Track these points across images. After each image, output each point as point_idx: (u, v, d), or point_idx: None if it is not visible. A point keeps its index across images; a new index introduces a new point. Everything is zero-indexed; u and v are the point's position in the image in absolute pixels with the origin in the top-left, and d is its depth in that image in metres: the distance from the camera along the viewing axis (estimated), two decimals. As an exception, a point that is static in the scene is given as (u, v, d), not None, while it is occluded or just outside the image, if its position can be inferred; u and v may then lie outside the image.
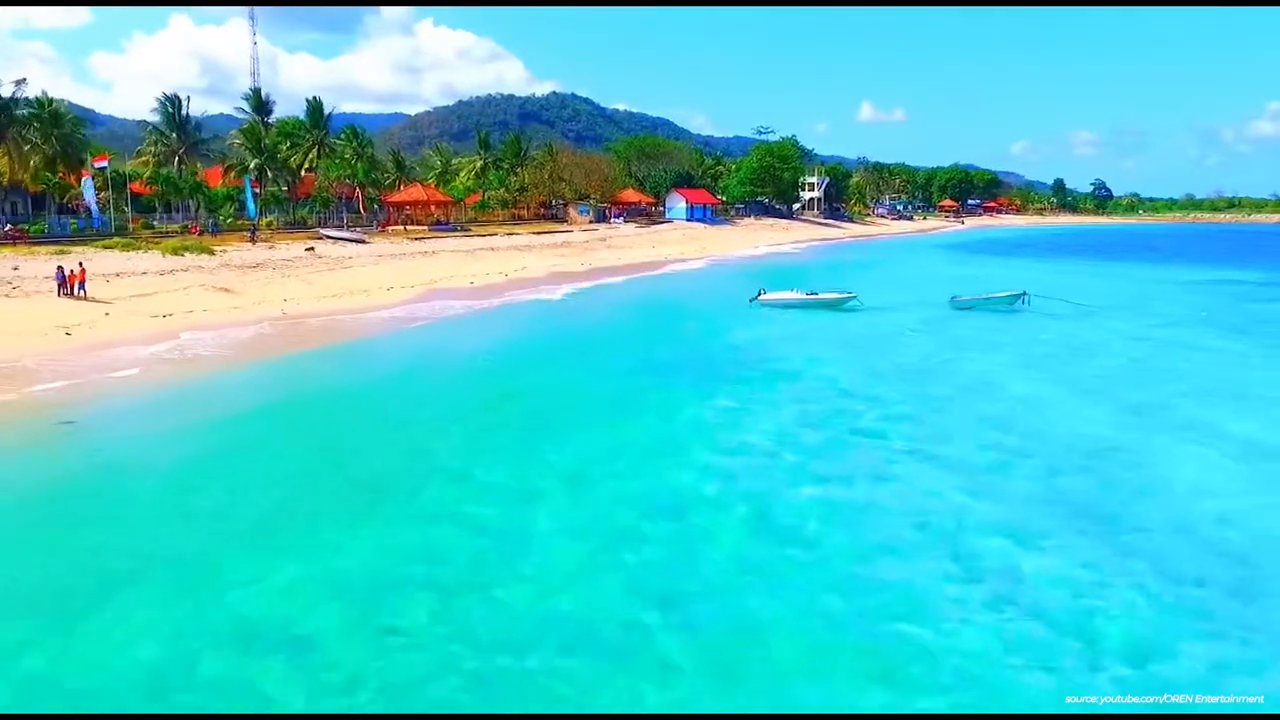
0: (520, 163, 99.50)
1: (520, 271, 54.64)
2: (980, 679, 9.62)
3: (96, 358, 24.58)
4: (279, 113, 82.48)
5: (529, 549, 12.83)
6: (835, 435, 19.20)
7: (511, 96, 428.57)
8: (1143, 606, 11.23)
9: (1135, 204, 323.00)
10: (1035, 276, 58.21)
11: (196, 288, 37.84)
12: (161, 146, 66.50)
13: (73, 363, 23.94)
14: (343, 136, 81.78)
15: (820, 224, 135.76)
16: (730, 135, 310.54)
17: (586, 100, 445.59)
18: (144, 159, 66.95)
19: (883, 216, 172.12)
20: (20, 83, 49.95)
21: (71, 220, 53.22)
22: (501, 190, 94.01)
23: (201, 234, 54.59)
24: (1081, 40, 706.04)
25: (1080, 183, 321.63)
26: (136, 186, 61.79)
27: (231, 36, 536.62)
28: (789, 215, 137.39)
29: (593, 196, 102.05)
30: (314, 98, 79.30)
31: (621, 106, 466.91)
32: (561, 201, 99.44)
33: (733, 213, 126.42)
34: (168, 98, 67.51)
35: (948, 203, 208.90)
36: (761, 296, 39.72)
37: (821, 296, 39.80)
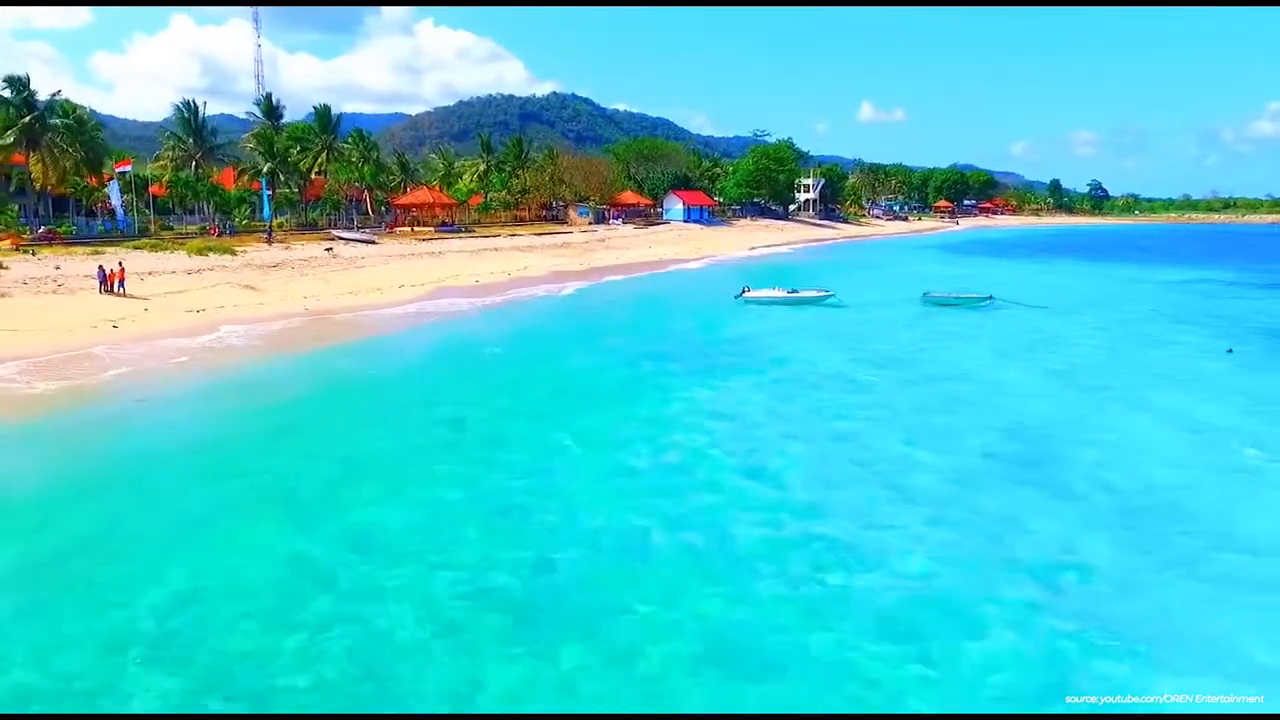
0: (521, 165, 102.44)
1: (522, 271, 57.56)
2: (911, 587, 12.55)
3: (149, 348, 27.61)
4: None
5: (554, 484, 16.60)
6: (800, 406, 22.60)
7: (512, 97, 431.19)
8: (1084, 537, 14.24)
9: (1131, 204, 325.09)
10: (1014, 277, 61.29)
11: (223, 285, 40.78)
12: (179, 151, 69.42)
13: (130, 352, 26.97)
14: (350, 140, 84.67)
15: (815, 225, 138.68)
16: (730, 135, 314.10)
17: (587, 100, 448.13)
18: (162, 163, 69.90)
19: (878, 217, 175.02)
20: (55, 94, 52.91)
21: (98, 223, 56.11)
22: (503, 192, 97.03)
23: (220, 235, 57.56)
24: (1081, 40, 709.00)
25: (1081, 183, 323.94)
26: (154, 189, 64.72)
27: (232, 37, 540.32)
28: (784, 216, 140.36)
29: (592, 198, 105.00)
30: (322, 105, 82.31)
31: (622, 107, 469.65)
32: (562, 203, 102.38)
33: (729, 214, 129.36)
34: (185, 103, 70.55)
35: (943, 203, 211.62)
36: (746, 294, 42.72)
37: (801, 294, 42.85)
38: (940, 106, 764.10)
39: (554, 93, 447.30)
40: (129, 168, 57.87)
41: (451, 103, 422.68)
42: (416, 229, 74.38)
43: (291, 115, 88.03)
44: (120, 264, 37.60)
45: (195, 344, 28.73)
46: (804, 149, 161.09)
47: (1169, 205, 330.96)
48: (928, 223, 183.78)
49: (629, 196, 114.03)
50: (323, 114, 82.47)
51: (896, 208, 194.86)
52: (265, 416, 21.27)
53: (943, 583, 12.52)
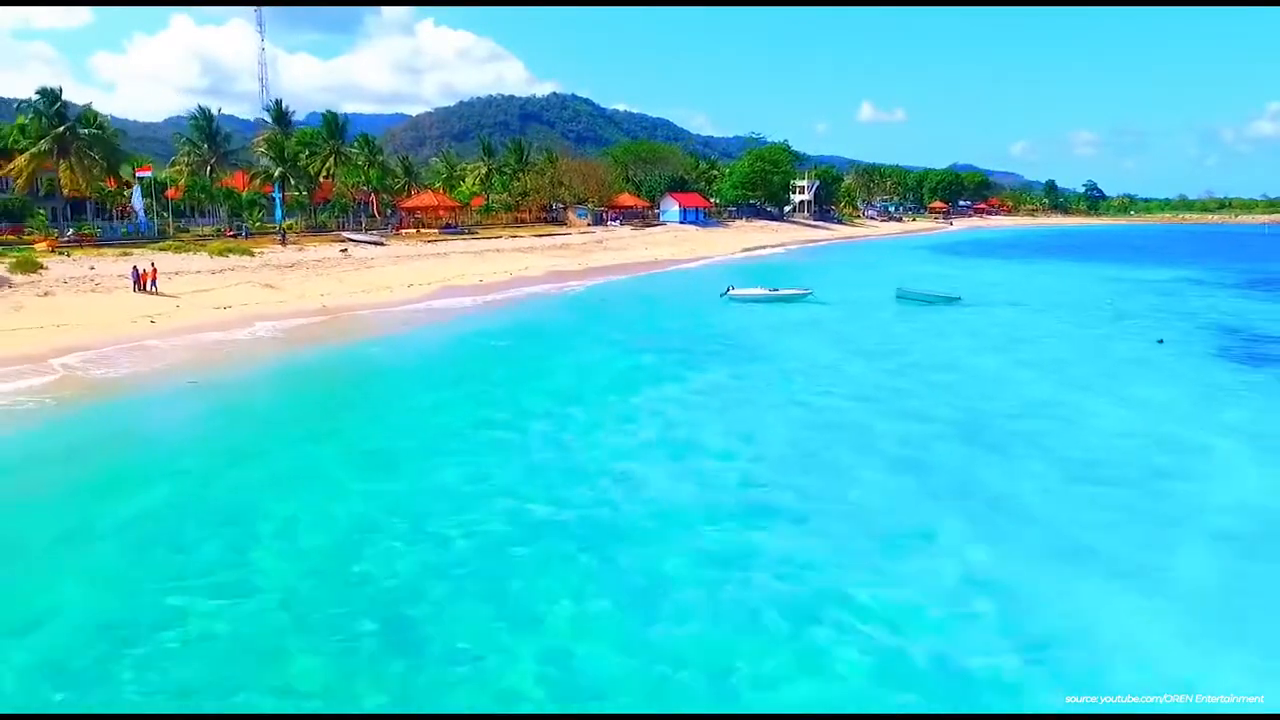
0: (522, 168, 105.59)
1: (523, 271, 60.65)
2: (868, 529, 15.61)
3: (189, 340, 30.82)
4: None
5: (565, 439, 20.64)
6: (767, 384, 26.01)
7: (512, 97, 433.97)
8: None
9: (1127, 204, 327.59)
10: (992, 277, 64.36)
11: (244, 285, 43.91)
12: (194, 156, 72.58)
13: (177, 343, 30.24)
14: (356, 145, 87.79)
15: (809, 226, 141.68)
16: (730, 135, 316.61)
17: (587, 101, 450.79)
18: (177, 167, 73.04)
19: (872, 218, 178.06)
20: (86, 107, 56.12)
21: (121, 225, 59.22)
22: (505, 195, 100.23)
23: (235, 237, 60.64)
24: (1081, 40, 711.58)
25: (1081, 184, 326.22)
26: (170, 193, 67.85)
27: (232, 37, 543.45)
28: (780, 218, 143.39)
29: (590, 200, 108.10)
30: (329, 111, 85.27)
31: (622, 107, 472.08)
32: (561, 205, 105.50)
33: (725, 215, 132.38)
34: (201, 110, 73.75)
35: (937, 204, 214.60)
36: (731, 292, 45.84)
37: (782, 292, 45.98)
38: (940, 106, 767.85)
39: (554, 93, 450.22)
40: (149, 173, 60.98)
41: (452, 103, 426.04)
42: (422, 231, 77.51)
43: (294, 115, 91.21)
44: (152, 264, 40.71)
45: (237, 337, 32.39)
46: (804, 149, 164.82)
47: (1164, 205, 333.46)
48: (922, 223, 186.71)
49: (626, 199, 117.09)
50: (330, 120, 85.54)
51: (891, 209, 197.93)
52: (323, 395, 25.58)
53: (892, 516, 15.63)
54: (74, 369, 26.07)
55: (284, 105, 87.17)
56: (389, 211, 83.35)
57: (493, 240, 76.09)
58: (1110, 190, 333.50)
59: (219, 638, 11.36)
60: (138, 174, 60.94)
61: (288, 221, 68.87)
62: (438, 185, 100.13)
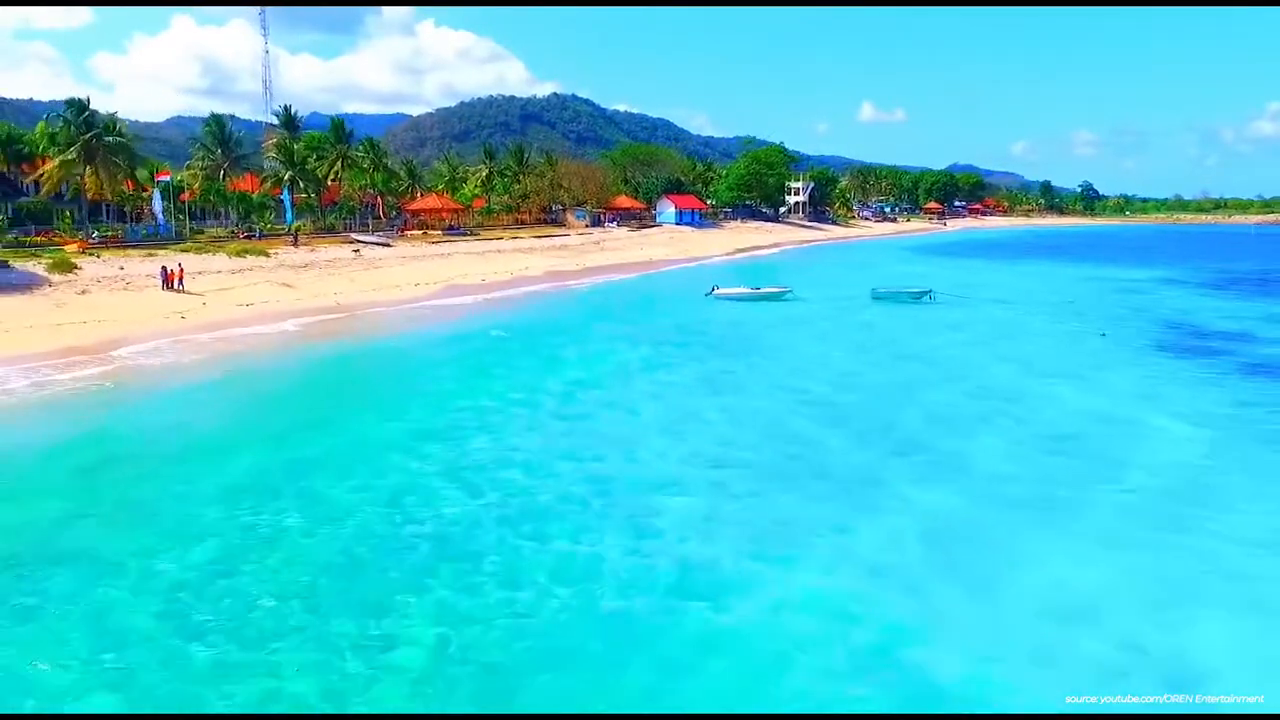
0: (522, 171, 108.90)
1: (524, 271, 63.84)
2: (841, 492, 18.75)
3: (224, 334, 34.14)
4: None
5: (571, 413, 24.34)
6: (737, 366, 29.38)
7: (513, 98, 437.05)
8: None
9: (1123, 205, 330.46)
10: (971, 276, 67.51)
11: (263, 283, 47.12)
12: (208, 161, 75.84)
13: (212, 336, 33.63)
14: (361, 148, 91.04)
15: (803, 226, 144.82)
16: (731, 136, 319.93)
17: (587, 101, 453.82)
18: (192, 171, 76.24)
19: (867, 219, 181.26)
20: (111, 115, 59.35)
21: (142, 227, 62.46)
22: (505, 197, 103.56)
23: (249, 238, 63.84)
24: (1082, 40, 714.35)
25: (1081, 184, 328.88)
26: (184, 195, 71.07)
27: (233, 38, 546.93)
28: (775, 218, 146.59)
29: (589, 202, 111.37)
30: (337, 117, 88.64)
31: (622, 107, 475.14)
32: (560, 207, 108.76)
33: (721, 216, 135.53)
34: (215, 118, 77.17)
35: (932, 205, 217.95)
36: (715, 291, 49.01)
37: (763, 290, 49.18)
38: (941, 107, 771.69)
39: (555, 93, 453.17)
40: (168, 178, 64.21)
41: (453, 103, 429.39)
42: (428, 233, 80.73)
43: (295, 115, 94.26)
44: (180, 265, 43.93)
45: (267, 330, 35.94)
46: (805, 150, 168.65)
47: (1160, 206, 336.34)
48: (915, 224, 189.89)
49: (624, 200, 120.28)
50: (338, 125, 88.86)
51: (887, 209, 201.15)
52: (357, 378, 29.72)
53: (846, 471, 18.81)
54: (126, 360, 29.28)
55: (292, 110, 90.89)
56: (394, 213, 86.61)
57: (494, 241, 79.26)
58: (1110, 190, 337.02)
59: (314, 550, 14.58)
60: (157, 178, 64.16)
61: (298, 223, 72.01)
62: (440, 187, 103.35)
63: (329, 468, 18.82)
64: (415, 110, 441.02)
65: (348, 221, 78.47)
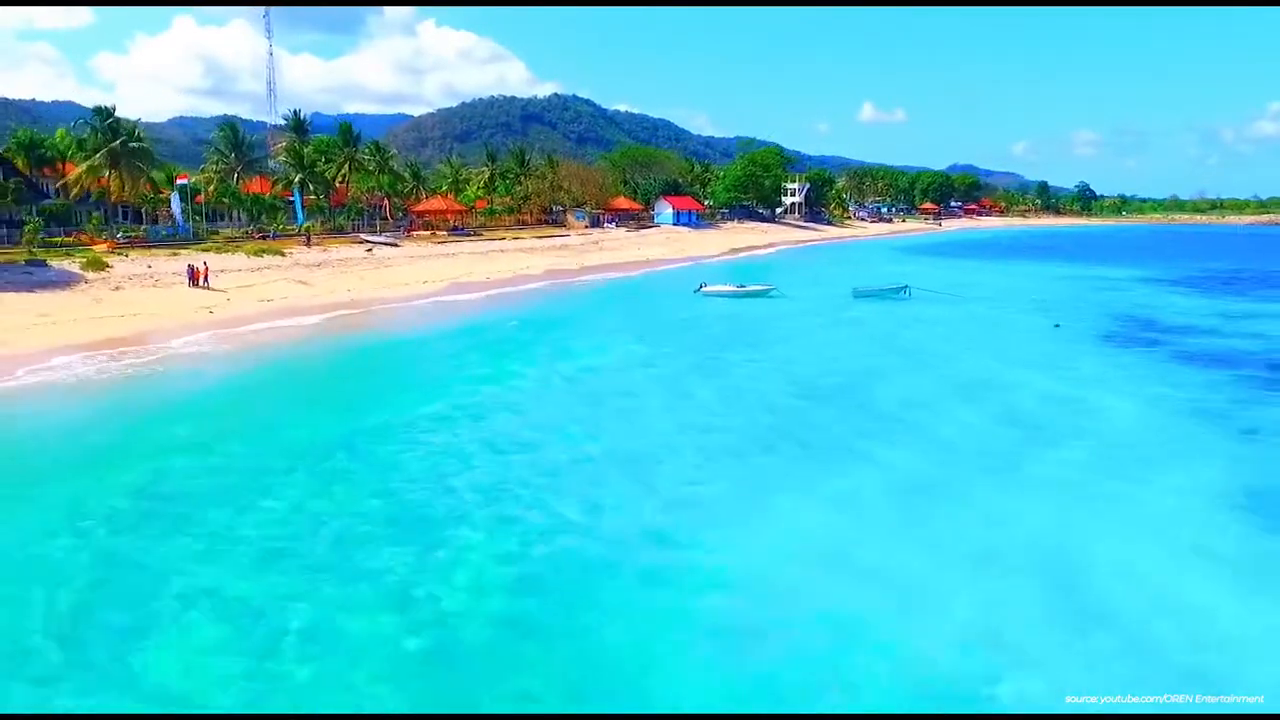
0: (524, 173, 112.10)
1: (525, 270, 66.90)
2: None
3: (252, 327, 37.16)
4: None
5: (580, 391, 27.45)
6: (717, 356, 32.32)
7: (513, 98, 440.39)
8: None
9: (1120, 205, 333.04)
10: (956, 276, 70.49)
11: (281, 281, 50.22)
12: (222, 164, 79.03)
13: (243, 329, 36.72)
14: (367, 151, 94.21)
15: (799, 227, 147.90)
16: (731, 136, 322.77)
17: (588, 101, 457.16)
18: (206, 174, 79.42)
19: (862, 219, 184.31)
20: (136, 122, 62.63)
21: (162, 228, 65.60)
22: (507, 198, 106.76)
23: (264, 238, 66.94)
24: (1082, 40, 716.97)
25: (1079, 184, 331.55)
26: (198, 198, 74.25)
27: (234, 38, 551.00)
28: (771, 219, 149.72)
29: (588, 203, 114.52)
30: (345, 123, 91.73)
31: (623, 108, 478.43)
32: (561, 208, 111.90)
33: (718, 217, 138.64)
34: (229, 123, 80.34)
35: (928, 205, 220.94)
36: (704, 288, 52.03)
37: (749, 288, 52.18)
38: (941, 107, 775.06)
39: (555, 94, 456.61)
40: (187, 181, 67.39)
41: (454, 104, 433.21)
42: (435, 233, 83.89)
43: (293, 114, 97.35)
44: (205, 263, 47.05)
45: (290, 323, 38.95)
46: (805, 150, 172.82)
47: (1157, 206, 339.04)
48: (911, 224, 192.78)
49: (622, 202, 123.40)
50: (345, 128, 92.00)
51: (883, 210, 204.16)
52: (381, 364, 32.66)
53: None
54: (171, 349, 32.33)
55: (301, 114, 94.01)
56: (401, 215, 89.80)
57: (496, 241, 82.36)
58: (1110, 190, 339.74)
59: (366, 499, 17.46)
60: (176, 181, 67.31)
61: (308, 224, 75.13)
62: (444, 189, 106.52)
63: (382, 436, 21.67)
64: (416, 110, 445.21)
65: (356, 222, 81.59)
